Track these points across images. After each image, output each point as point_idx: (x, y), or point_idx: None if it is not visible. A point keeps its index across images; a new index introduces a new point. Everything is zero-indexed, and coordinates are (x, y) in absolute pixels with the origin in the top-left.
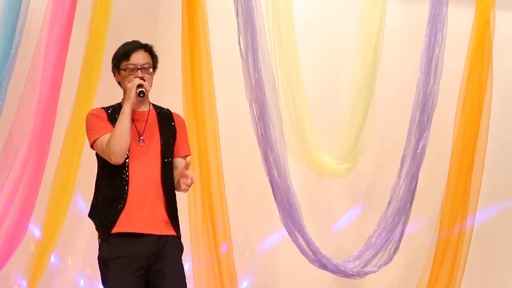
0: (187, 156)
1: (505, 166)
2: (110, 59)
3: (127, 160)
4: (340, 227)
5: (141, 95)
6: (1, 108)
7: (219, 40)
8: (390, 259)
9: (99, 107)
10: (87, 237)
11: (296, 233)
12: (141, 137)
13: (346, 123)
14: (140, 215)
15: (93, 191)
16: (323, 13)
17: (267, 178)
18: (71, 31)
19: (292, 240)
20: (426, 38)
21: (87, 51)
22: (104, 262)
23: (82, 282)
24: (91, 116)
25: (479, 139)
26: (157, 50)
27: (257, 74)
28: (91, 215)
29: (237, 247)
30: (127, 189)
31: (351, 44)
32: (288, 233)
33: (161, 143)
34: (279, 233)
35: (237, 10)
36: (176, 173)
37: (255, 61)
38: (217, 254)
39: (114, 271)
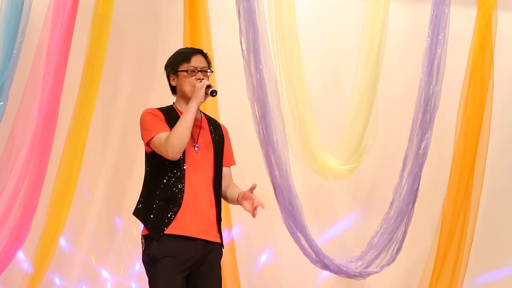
0: (232, 165)
1: (506, 167)
2: (112, 59)
3: (183, 165)
4: (343, 228)
5: (214, 94)
6: (4, 108)
7: (221, 41)
8: (392, 259)
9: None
10: (87, 238)
11: (298, 234)
12: (196, 144)
13: (349, 124)
14: (194, 220)
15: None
16: (325, 14)
17: (269, 179)
18: (72, 32)
19: (294, 241)
20: (428, 39)
21: (89, 52)
22: (153, 261)
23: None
24: (148, 115)
25: (480, 140)
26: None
27: (258, 75)
28: (138, 214)
29: (239, 247)
30: (183, 192)
31: (353, 45)
32: (290, 234)
33: (214, 151)
34: (281, 234)
35: (239, 11)
36: (224, 183)
37: (257, 61)
38: None
39: (163, 270)
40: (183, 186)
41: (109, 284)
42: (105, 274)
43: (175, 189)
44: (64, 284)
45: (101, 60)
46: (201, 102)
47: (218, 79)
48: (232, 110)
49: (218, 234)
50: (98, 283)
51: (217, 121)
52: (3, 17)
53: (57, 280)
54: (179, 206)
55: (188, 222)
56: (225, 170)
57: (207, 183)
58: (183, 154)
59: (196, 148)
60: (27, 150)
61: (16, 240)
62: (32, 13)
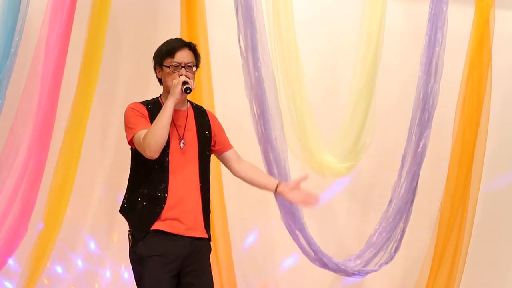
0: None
1: (504, 165)
2: (109, 57)
3: (167, 163)
4: (341, 226)
5: (188, 91)
6: (1, 107)
7: (219, 38)
8: (391, 258)
9: (138, 101)
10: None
11: (297, 232)
12: (182, 140)
13: (347, 122)
14: (179, 219)
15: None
16: (323, 11)
17: None
18: (71, 30)
19: (293, 239)
20: (426, 37)
21: (86, 50)
22: (140, 260)
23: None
24: (130, 110)
25: (478, 138)
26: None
27: (257, 73)
28: (124, 213)
29: (236, 245)
30: (167, 193)
31: (351, 43)
32: (289, 232)
33: (198, 146)
34: (280, 232)
35: (236, 8)
36: (231, 165)
37: (255, 59)
38: (216, 253)
39: (150, 269)
40: (167, 186)
41: (106, 283)
42: (103, 270)
43: (158, 190)
44: (62, 282)
45: (99, 58)
46: (178, 100)
47: (215, 77)
48: (230, 108)
49: (205, 230)
50: (97, 279)
51: (202, 109)
52: (0, 16)
53: (54, 278)
54: (162, 207)
55: (173, 221)
56: (228, 154)
57: (193, 180)
58: (167, 151)
59: (182, 145)
60: (27, 148)
61: (15, 239)
62: (30, 11)
